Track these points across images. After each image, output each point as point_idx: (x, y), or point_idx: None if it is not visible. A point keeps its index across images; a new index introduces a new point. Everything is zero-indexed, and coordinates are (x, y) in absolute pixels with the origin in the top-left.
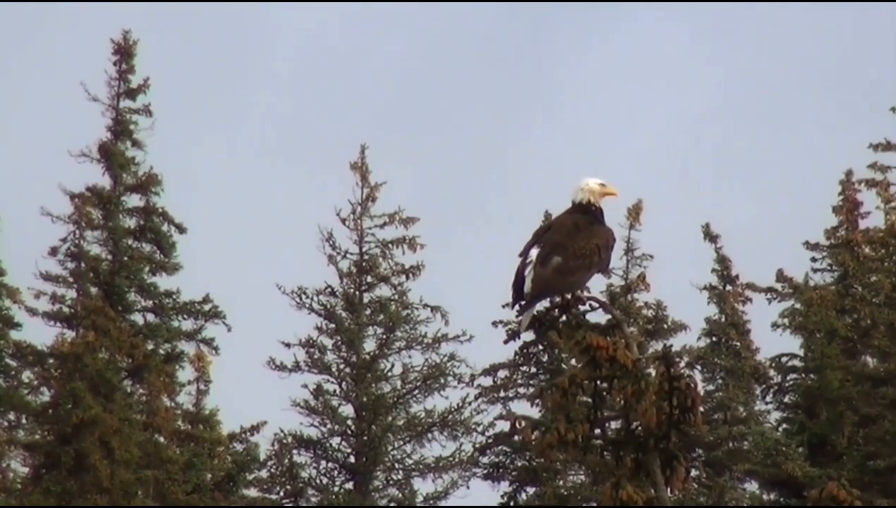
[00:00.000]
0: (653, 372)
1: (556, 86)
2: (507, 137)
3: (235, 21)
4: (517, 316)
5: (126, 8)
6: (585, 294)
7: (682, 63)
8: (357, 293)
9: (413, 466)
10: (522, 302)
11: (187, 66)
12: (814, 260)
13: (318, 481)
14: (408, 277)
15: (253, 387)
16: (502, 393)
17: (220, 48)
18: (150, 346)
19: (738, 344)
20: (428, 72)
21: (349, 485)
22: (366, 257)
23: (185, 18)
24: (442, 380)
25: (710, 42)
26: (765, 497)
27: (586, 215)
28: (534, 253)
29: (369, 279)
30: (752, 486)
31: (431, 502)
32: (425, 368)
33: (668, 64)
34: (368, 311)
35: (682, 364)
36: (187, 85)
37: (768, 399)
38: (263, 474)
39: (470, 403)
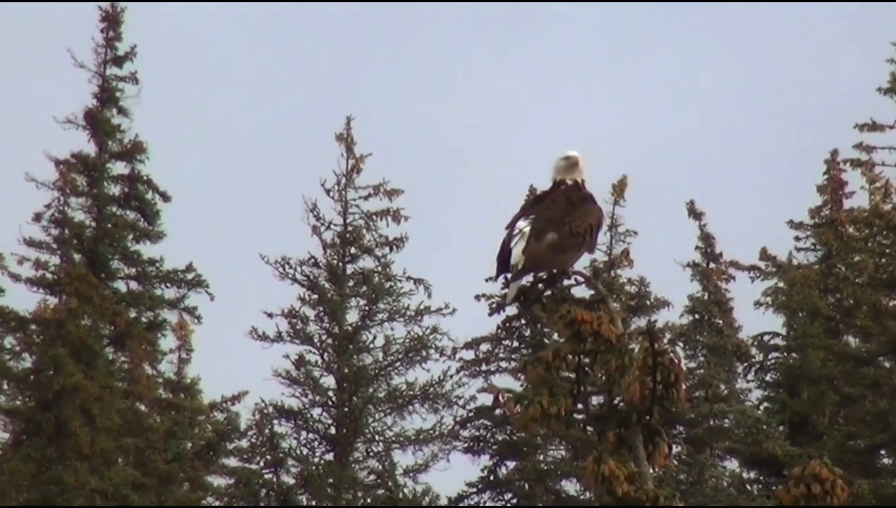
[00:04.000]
0: (636, 347)
1: (536, 61)
2: (488, 111)
3: None
4: (503, 288)
5: None
6: (570, 268)
7: (674, 38)
8: (340, 264)
9: (393, 438)
10: (508, 275)
11: (174, 33)
12: (798, 239)
13: (298, 451)
14: (391, 249)
15: (235, 357)
16: (484, 367)
17: (205, 15)
18: (133, 314)
19: (721, 321)
20: (411, 50)
21: (329, 456)
22: (350, 228)
23: None
24: (424, 353)
25: (703, 22)
26: (745, 475)
27: (578, 192)
28: (521, 224)
29: (353, 250)
30: (733, 464)
31: (412, 475)
32: (407, 340)
33: (659, 37)
34: (351, 283)
35: (665, 340)
36: (174, 53)
37: (750, 377)
38: (244, 443)
39: (451, 376)
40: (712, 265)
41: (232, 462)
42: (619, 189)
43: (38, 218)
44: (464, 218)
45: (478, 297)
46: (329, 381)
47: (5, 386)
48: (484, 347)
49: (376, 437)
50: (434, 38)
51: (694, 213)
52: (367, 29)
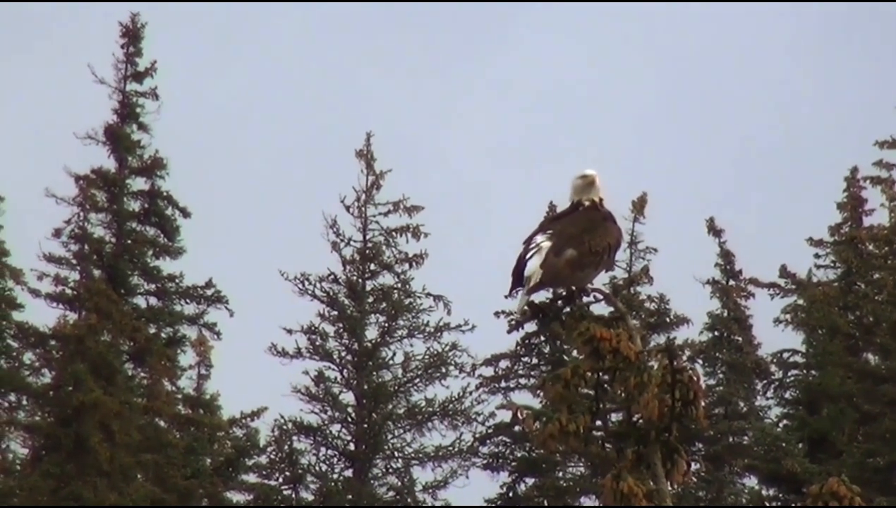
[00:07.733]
0: (655, 364)
1: (555, 71)
2: (504, 128)
3: (242, 6)
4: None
5: None
6: (589, 285)
7: (694, 46)
8: (360, 280)
9: (413, 455)
10: (521, 288)
11: (194, 49)
12: (817, 256)
13: (317, 468)
14: (411, 265)
15: (254, 373)
16: (503, 384)
17: (226, 32)
18: (153, 330)
19: (740, 338)
20: (433, 64)
21: (348, 472)
22: (369, 245)
23: (193, 2)
24: (443, 369)
25: (723, 31)
26: (764, 492)
27: (597, 211)
28: (539, 239)
29: (372, 267)
30: (752, 481)
31: (431, 491)
32: (427, 357)
33: (680, 44)
34: (371, 299)
35: (684, 358)
36: (194, 69)
37: (769, 394)
38: (263, 460)
39: (471, 393)
40: (732, 282)
41: (251, 478)
42: (639, 206)
43: (58, 233)
44: (484, 233)
45: (497, 314)
46: (348, 398)
47: (25, 402)
48: (503, 364)
49: (395, 454)
50: (458, 53)
51: (713, 230)
52: (388, 46)
